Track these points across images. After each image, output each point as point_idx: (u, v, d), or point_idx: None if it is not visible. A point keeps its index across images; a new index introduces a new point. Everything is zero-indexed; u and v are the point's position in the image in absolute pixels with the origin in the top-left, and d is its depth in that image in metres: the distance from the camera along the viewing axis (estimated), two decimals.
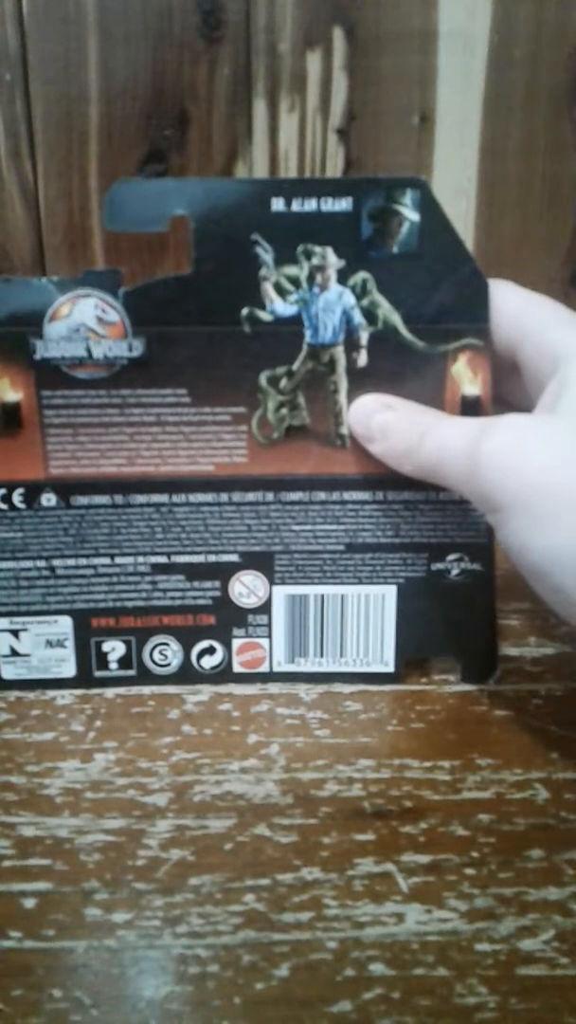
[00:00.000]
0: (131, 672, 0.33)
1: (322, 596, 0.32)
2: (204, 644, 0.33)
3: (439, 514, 0.31)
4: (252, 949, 0.23)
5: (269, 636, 0.32)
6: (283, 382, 0.30)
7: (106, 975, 0.22)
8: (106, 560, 0.31)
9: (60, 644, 0.32)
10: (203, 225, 0.28)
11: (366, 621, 0.32)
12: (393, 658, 0.32)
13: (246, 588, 0.32)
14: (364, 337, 0.29)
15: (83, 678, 0.32)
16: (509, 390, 0.30)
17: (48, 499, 0.31)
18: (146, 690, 0.33)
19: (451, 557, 0.32)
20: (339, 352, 0.30)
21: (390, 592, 0.32)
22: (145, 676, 0.33)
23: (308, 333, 0.29)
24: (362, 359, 0.30)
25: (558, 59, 0.46)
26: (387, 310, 0.29)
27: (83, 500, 0.31)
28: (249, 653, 0.33)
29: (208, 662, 0.33)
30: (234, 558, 0.32)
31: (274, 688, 0.33)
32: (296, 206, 0.28)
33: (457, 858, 0.25)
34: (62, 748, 0.30)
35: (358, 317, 0.29)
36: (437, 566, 0.32)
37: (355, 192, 0.28)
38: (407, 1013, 0.21)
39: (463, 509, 0.31)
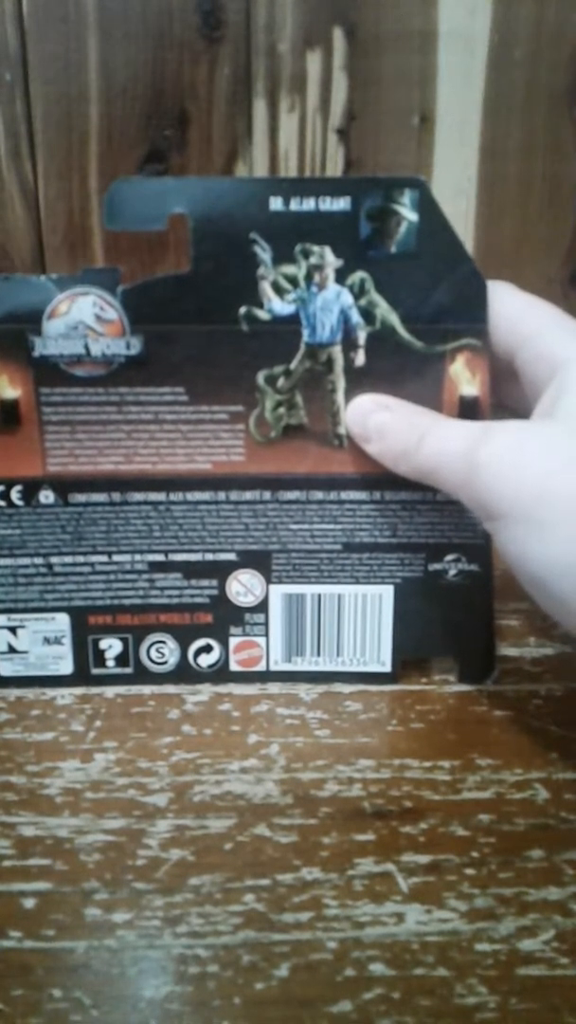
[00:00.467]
0: (128, 670, 0.33)
1: (319, 595, 0.32)
2: (201, 642, 0.33)
3: (437, 514, 0.31)
4: (252, 949, 0.23)
5: (266, 635, 0.32)
6: (281, 381, 0.30)
7: (106, 975, 0.22)
8: (104, 558, 0.31)
9: (58, 641, 0.32)
10: (202, 224, 0.28)
11: (363, 621, 0.32)
12: (390, 658, 0.32)
13: (243, 587, 0.32)
14: (362, 337, 0.29)
15: (80, 675, 0.32)
16: (507, 394, 0.30)
17: (46, 496, 0.31)
18: (146, 690, 0.33)
19: (449, 557, 0.32)
20: (337, 351, 0.30)
21: (387, 592, 0.32)
22: (142, 674, 0.33)
23: (306, 332, 0.29)
24: (360, 359, 0.30)
25: (558, 59, 0.46)
26: (385, 310, 0.29)
27: (81, 498, 0.31)
28: (246, 652, 0.33)
29: (205, 660, 0.33)
30: (231, 557, 0.32)
31: (274, 688, 0.33)
32: (294, 205, 0.28)
33: (457, 858, 0.25)
34: (62, 748, 0.30)
35: (356, 317, 0.29)
36: (434, 566, 0.32)
37: (354, 192, 0.28)
38: (407, 1013, 0.21)
39: (461, 510, 0.31)
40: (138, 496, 0.31)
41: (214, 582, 0.32)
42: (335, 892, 0.24)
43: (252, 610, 0.32)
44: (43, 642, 0.32)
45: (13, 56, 0.45)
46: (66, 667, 0.32)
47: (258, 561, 0.32)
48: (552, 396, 0.27)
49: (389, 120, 0.47)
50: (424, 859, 0.25)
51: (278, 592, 0.32)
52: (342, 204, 0.28)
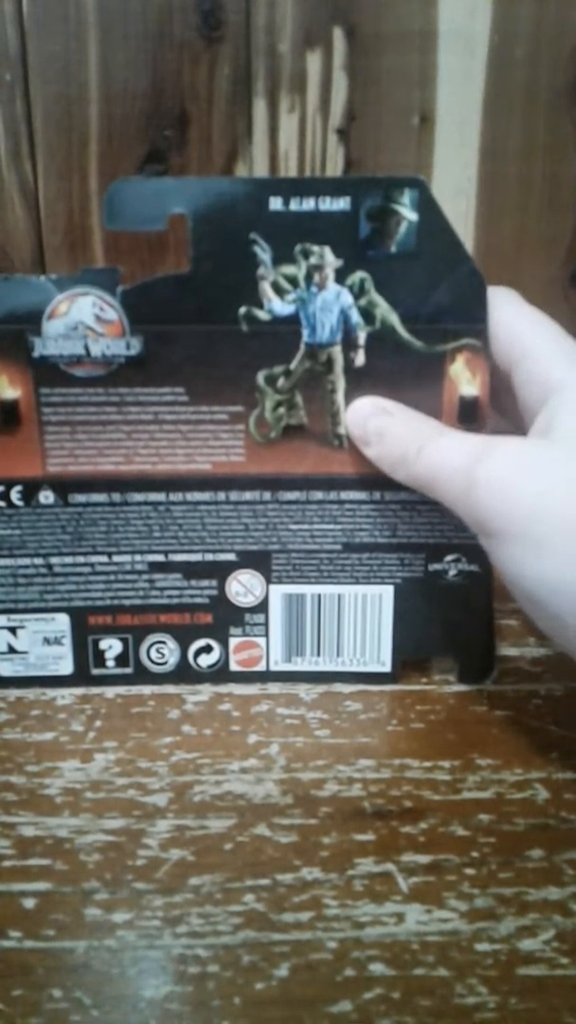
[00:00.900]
0: (128, 670, 0.33)
1: (319, 596, 0.32)
2: (201, 643, 0.33)
3: (436, 515, 0.31)
4: (252, 949, 0.23)
5: (266, 635, 0.32)
6: (281, 381, 0.30)
7: (106, 975, 0.22)
8: (104, 558, 0.31)
9: (58, 642, 0.32)
10: (201, 224, 0.28)
11: (363, 621, 0.32)
12: (390, 658, 0.32)
13: (243, 587, 0.32)
14: (362, 337, 0.29)
15: (80, 676, 0.32)
16: (505, 406, 0.30)
17: (46, 497, 0.31)
18: (146, 690, 0.33)
19: (448, 558, 0.32)
20: (337, 351, 0.30)
21: (387, 592, 0.32)
22: (142, 674, 0.33)
23: (306, 332, 0.29)
24: (360, 359, 0.30)
25: (558, 59, 0.46)
26: (385, 310, 0.29)
27: (81, 498, 0.31)
28: (246, 652, 0.33)
29: (205, 661, 0.33)
30: (231, 557, 0.32)
31: (274, 688, 0.33)
32: (294, 205, 0.28)
33: (457, 858, 0.25)
34: (62, 748, 0.30)
35: (356, 317, 0.29)
36: (434, 567, 0.32)
37: (353, 191, 0.28)
38: (407, 1013, 0.21)
39: None
40: (138, 496, 0.31)
41: (214, 582, 0.32)
42: (335, 892, 0.24)
43: (252, 610, 0.32)
44: (43, 642, 0.32)
45: (13, 56, 0.45)
46: (66, 667, 0.32)
47: (258, 561, 0.32)
48: (547, 417, 0.27)
49: (389, 120, 0.47)
50: (424, 859, 0.25)
51: (278, 592, 0.32)
52: (342, 204, 0.28)
